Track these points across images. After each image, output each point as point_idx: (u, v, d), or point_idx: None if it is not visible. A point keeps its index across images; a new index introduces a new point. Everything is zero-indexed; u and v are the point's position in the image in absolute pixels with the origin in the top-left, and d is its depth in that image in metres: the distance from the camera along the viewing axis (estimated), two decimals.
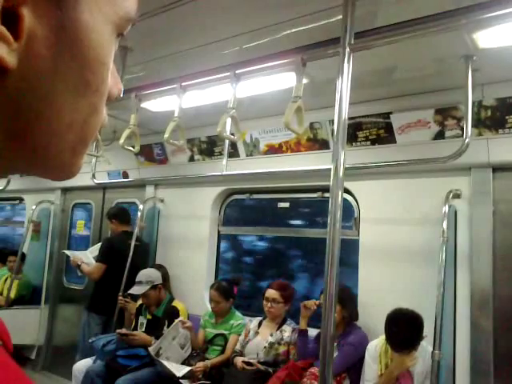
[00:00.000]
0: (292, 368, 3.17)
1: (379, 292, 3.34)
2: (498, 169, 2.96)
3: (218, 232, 4.55)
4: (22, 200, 6.78)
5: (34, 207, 6.00)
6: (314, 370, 3.11)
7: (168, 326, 3.82)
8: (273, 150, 3.82)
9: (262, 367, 3.34)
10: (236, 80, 2.38)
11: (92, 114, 0.40)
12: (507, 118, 2.77)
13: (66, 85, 0.37)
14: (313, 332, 3.37)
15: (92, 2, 0.37)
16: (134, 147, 3.04)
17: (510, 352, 2.86)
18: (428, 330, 2.78)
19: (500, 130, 2.81)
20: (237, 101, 2.43)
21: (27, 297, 5.78)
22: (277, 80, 2.79)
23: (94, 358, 3.99)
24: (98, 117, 0.42)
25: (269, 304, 3.55)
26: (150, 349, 3.66)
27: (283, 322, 3.57)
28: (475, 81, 2.44)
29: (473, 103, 2.50)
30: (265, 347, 3.46)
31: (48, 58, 0.35)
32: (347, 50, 1.77)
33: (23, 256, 5.90)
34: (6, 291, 5.48)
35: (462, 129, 2.71)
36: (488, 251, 2.93)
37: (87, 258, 4.71)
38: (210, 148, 4.25)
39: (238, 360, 3.44)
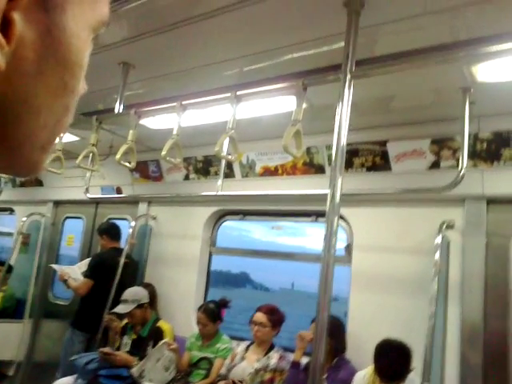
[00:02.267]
0: None
1: (370, 321, 3.30)
2: (492, 201, 2.98)
3: (210, 252, 4.51)
4: (12, 211, 6.71)
5: (24, 219, 5.93)
6: None
7: (153, 347, 3.74)
8: (268, 172, 3.83)
9: None
10: (236, 101, 2.39)
11: (65, 114, 0.42)
12: (502, 150, 2.80)
13: (46, 87, 0.38)
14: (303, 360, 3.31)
15: (76, 9, 0.38)
16: (130, 163, 3.03)
17: None
18: (416, 360, 2.75)
19: (495, 163, 2.84)
20: (236, 122, 2.43)
21: (10, 310, 5.65)
22: (276, 103, 2.82)
23: (75, 376, 3.89)
24: (69, 116, 0.43)
25: (256, 327, 3.50)
26: (133, 370, 3.58)
27: (271, 349, 3.50)
28: (472, 113, 2.47)
29: (469, 135, 2.52)
30: (250, 373, 3.39)
31: (33, 61, 0.36)
32: (348, 76, 1.79)
33: (10, 268, 5.80)
34: None
35: (458, 160, 2.73)
36: (480, 284, 2.92)
37: (75, 273, 4.64)
38: (205, 167, 4.25)
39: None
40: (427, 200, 3.19)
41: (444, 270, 3.01)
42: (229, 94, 2.44)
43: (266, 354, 3.47)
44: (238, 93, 2.41)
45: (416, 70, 2.15)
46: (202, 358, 3.79)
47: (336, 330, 3.11)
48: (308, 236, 4.31)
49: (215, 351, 3.77)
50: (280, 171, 3.76)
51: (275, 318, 3.55)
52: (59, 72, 0.38)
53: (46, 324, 5.72)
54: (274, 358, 3.42)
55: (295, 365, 3.25)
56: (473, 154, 2.84)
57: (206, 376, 3.69)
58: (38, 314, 5.74)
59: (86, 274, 4.46)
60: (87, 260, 4.78)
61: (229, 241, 4.88)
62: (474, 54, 1.95)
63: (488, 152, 2.85)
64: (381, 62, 2.02)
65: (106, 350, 3.88)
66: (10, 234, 6.64)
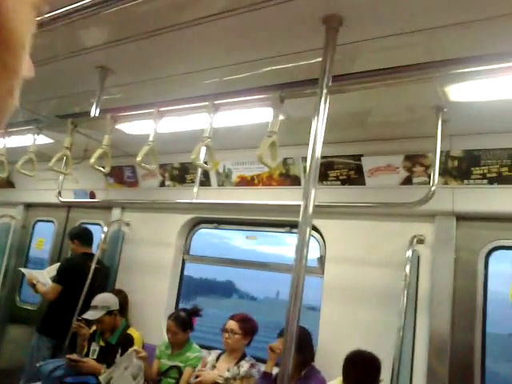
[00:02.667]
0: None
1: (340, 332, 3.33)
2: (461, 217, 3.06)
3: (183, 260, 4.48)
4: None
5: None
6: None
7: (121, 355, 3.68)
8: (245, 182, 3.84)
9: None
10: (214, 110, 2.40)
11: (8, 97, 0.40)
12: (472, 169, 2.88)
13: None
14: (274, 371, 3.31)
15: None
16: (104, 168, 3.00)
17: None
18: (385, 373, 2.78)
19: (465, 181, 2.92)
20: (213, 130, 2.44)
21: None
22: (253, 114, 2.84)
23: (39, 383, 3.80)
24: (14, 100, 0.41)
25: (226, 334, 3.49)
26: (101, 378, 3.51)
27: (242, 358, 3.49)
28: (444, 131, 2.54)
29: (441, 152, 2.59)
30: (222, 382, 3.37)
31: None
32: (324, 91, 1.82)
33: None
34: None
35: (429, 176, 2.79)
36: (448, 298, 2.98)
37: (43, 277, 4.54)
38: (181, 175, 4.23)
39: None
40: (399, 214, 3.25)
41: (414, 284, 3.07)
42: (207, 103, 2.44)
43: (237, 363, 3.45)
44: (216, 102, 2.42)
45: (391, 88, 2.20)
46: (171, 367, 3.75)
47: (303, 341, 3.11)
48: (287, 245, 4.30)
49: (185, 360, 3.73)
50: (256, 181, 3.78)
51: (247, 326, 3.54)
52: (0, 52, 0.37)
53: (12, 329, 5.58)
54: (244, 366, 3.41)
55: (266, 376, 3.25)
56: (444, 171, 2.91)
57: None
58: (3, 319, 5.59)
59: (55, 279, 4.37)
60: (56, 265, 4.69)
61: (208, 248, 4.86)
62: (447, 75, 2.00)
63: (459, 170, 2.92)
64: (357, 78, 2.06)
65: (74, 356, 3.80)
66: None
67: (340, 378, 2.91)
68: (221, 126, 2.94)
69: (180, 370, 3.70)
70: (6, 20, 0.36)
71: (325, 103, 1.82)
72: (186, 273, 4.48)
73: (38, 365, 3.94)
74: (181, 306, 4.37)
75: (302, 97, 2.22)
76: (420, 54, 2.10)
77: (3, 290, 5.69)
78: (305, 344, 3.13)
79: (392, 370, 2.76)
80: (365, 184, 3.26)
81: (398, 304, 2.92)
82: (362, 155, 3.22)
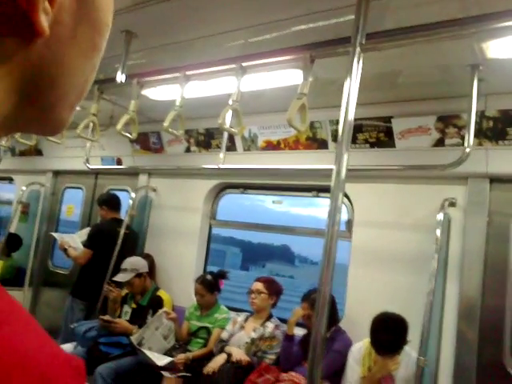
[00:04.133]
0: (264, 370, 3.17)
1: (368, 295, 3.34)
2: (495, 180, 2.97)
3: (210, 225, 4.52)
4: (11, 180, 6.69)
5: (24, 188, 5.92)
6: (293, 375, 3.10)
7: (152, 316, 3.79)
8: (271, 146, 3.80)
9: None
10: (241, 73, 2.35)
11: (92, 72, 0.43)
12: (508, 129, 2.78)
13: (79, 49, 0.39)
14: (299, 332, 3.36)
15: None
16: (131, 134, 3.00)
17: (493, 363, 2.88)
18: (413, 336, 2.79)
19: (500, 142, 2.82)
20: (240, 94, 2.40)
21: (11, 278, 5.70)
22: (280, 76, 2.77)
23: (75, 343, 3.95)
24: (94, 74, 0.44)
25: (253, 295, 3.58)
26: (132, 338, 3.63)
27: (268, 319, 3.56)
28: (479, 91, 2.44)
29: (475, 113, 2.49)
30: (246, 343, 3.45)
31: (70, 25, 0.36)
32: (358, 49, 1.75)
33: (17, 238, 5.83)
34: None
35: (463, 137, 2.71)
36: (479, 262, 2.94)
37: (75, 241, 4.65)
38: (207, 140, 4.21)
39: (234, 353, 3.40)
40: (430, 177, 3.18)
41: (444, 248, 3.03)
42: (234, 66, 2.39)
43: (263, 323, 3.53)
44: (244, 64, 2.36)
45: (425, 46, 2.11)
46: (200, 328, 3.85)
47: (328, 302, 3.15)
48: (321, 207, 4.24)
49: (213, 321, 3.83)
50: (282, 145, 3.73)
51: (272, 287, 3.63)
52: (91, 34, 0.39)
53: (46, 292, 5.78)
54: (269, 327, 3.49)
55: (288, 338, 3.32)
56: (478, 133, 2.81)
57: (205, 345, 3.76)
58: (37, 283, 5.80)
59: (86, 244, 4.48)
60: (87, 229, 4.79)
61: (242, 211, 4.87)
62: (485, 30, 1.90)
63: (494, 130, 2.82)
64: (391, 35, 1.97)
65: (107, 317, 3.93)
66: (9, 203, 6.63)
67: (367, 340, 2.94)
68: (246, 90, 2.89)
69: (209, 331, 3.81)
70: (99, 5, 0.39)
71: (358, 62, 1.75)
72: (244, 238, 4.52)
73: (72, 326, 4.10)
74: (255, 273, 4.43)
75: (334, 56, 2.15)
76: (456, 10, 1.98)
77: (36, 256, 5.87)
78: (330, 305, 3.17)
79: (421, 333, 2.76)
80: (395, 146, 3.18)
81: (427, 268, 2.90)
82: (392, 117, 3.13)
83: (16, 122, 0.39)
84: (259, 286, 3.60)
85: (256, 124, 3.79)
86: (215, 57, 2.70)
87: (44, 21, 0.33)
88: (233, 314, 3.82)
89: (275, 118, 3.55)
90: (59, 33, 0.36)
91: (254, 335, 3.47)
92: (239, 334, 3.57)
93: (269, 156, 3.81)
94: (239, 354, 3.34)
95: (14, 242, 5.79)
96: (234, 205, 4.58)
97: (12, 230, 5.92)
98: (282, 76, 2.74)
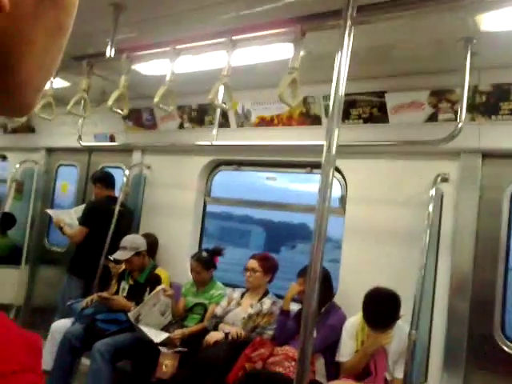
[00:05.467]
0: (258, 344, 3.21)
1: (361, 271, 3.36)
2: (487, 155, 2.97)
3: (204, 202, 4.52)
4: (5, 158, 6.64)
5: (17, 166, 5.88)
6: (287, 349, 3.15)
7: (149, 293, 3.82)
8: (264, 122, 3.77)
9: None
10: (232, 46, 2.32)
11: (59, 53, 0.42)
12: (501, 104, 2.76)
13: (44, 28, 0.38)
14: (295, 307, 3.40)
15: None
16: (122, 110, 2.97)
17: (484, 336, 2.92)
18: (405, 310, 2.83)
19: (493, 117, 2.81)
20: (231, 69, 2.37)
21: (5, 255, 5.71)
22: (272, 50, 2.73)
23: (72, 320, 3.99)
24: (61, 55, 0.43)
25: (248, 273, 3.60)
26: (130, 314, 3.67)
27: (264, 295, 3.60)
28: (473, 65, 2.41)
29: (468, 87, 2.47)
30: (243, 318, 3.49)
31: (31, 2, 0.36)
32: (349, 22, 1.72)
33: (11, 216, 5.83)
34: None
35: (456, 112, 2.69)
36: (471, 236, 2.96)
37: (70, 217, 4.65)
38: (200, 116, 4.18)
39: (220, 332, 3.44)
40: (422, 153, 3.18)
41: (436, 223, 3.04)
42: (224, 39, 2.35)
43: (260, 300, 3.57)
44: (234, 38, 2.33)
45: (418, 18, 2.07)
46: (196, 304, 3.89)
47: (324, 278, 3.18)
48: (317, 182, 4.11)
49: (209, 297, 3.86)
50: (276, 121, 3.71)
51: (267, 264, 3.64)
52: (55, 12, 0.39)
53: (42, 270, 5.81)
54: (266, 303, 3.52)
55: (283, 313, 3.35)
56: (471, 108, 2.79)
57: (201, 320, 3.80)
58: (34, 261, 5.82)
59: (81, 222, 4.48)
60: (83, 206, 4.79)
61: (238, 188, 4.84)
62: (479, 2, 1.87)
63: (487, 105, 2.80)
64: (382, 8, 1.94)
65: (104, 294, 3.97)
66: (2, 181, 6.60)
67: (360, 314, 2.98)
68: (238, 65, 2.85)
69: (205, 307, 3.85)
70: None
71: (349, 36, 1.73)
72: (266, 217, 4.49)
73: (69, 303, 4.13)
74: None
75: (324, 29, 2.12)
76: None
77: (32, 234, 5.87)
78: (323, 282, 3.20)
79: (413, 307, 2.80)
80: (388, 122, 3.16)
81: (420, 243, 2.92)
82: (385, 92, 3.10)
83: None
84: (254, 264, 3.60)
85: (249, 100, 3.75)
86: (206, 30, 2.65)
87: None
88: (228, 291, 3.85)
89: (268, 94, 3.51)
90: (22, 10, 0.35)
91: (250, 311, 3.51)
92: (236, 310, 3.60)
93: (262, 132, 3.79)
94: (235, 330, 3.39)
95: (7, 220, 5.79)
96: (230, 181, 4.56)
97: (7, 208, 5.91)
98: (274, 50, 2.70)
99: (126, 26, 2.72)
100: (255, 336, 3.40)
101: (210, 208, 4.66)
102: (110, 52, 2.69)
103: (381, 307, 2.83)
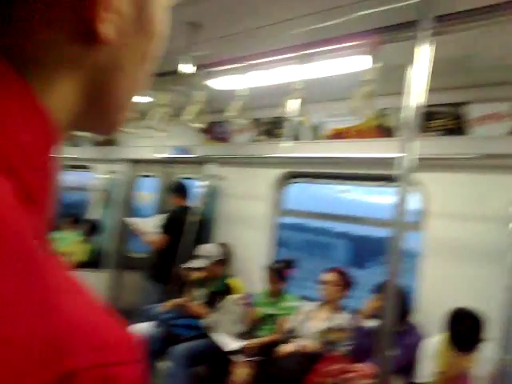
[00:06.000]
0: (332, 360, 3.16)
1: (440, 289, 3.21)
2: None
3: (277, 214, 4.55)
4: (87, 168, 7.10)
5: (102, 176, 6.26)
6: (362, 367, 3.06)
7: (222, 301, 3.90)
8: (336, 134, 3.74)
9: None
10: (306, 61, 2.33)
11: (143, 78, 0.45)
12: None
13: (135, 57, 0.42)
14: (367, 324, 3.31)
15: None
16: (199, 124, 3.07)
17: None
18: (490, 333, 2.66)
19: None
20: (304, 82, 2.38)
21: (90, 260, 6.07)
22: (343, 63, 2.70)
23: (151, 324, 4.15)
24: (145, 79, 0.46)
25: (323, 286, 3.56)
26: (205, 321, 3.76)
27: (339, 310, 3.53)
28: None
29: None
30: (316, 332, 3.45)
31: (129, 33, 0.39)
32: (426, 33, 1.67)
33: (95, 223, 6.22)
34: (78, 254, 5.80)
35: None
36: None
37: (149, 225, 4.84)
38: (273, 129, 4.22)
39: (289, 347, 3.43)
40: (504, 166, 2.99)
41: None
42: (299, 53, 2.37)
43: (334, 314, 3.51)
44: (309, 51, 2.33)
45: (499, 27, 1.96)
46: (269, 315, 3.91)
47: (400, 296, 3.08)
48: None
49: (281, 309, 3.87)
50: (349, 134, 3.66)
51: (343, 278, 3.59)
52: (146, 42, 0.42)
53: (125, 275, 6.10)
54: (340, 318, 3.46)
55: (359, 329, 3.28)
56: None
57: (272, 331, 3.81)
58: (118, 266, 6.13)
59: (162, 230, 4.66)
60: (160, 215, 4.98)
61: (310, 200, 4.82)
62: None
63: None
64: (461, 18, 1.86)
65: (180, 301, 4.10)
66: (83, 190, 7.05)
67: (443, 335, 2.83)
68: (310, 78, 2.86)
69: (276, 318, 3.85)
70: (156, 17, 0.42)
71: (426, 46, 1.67)
72: (362, 232, 4.46)
73: (148, 307, 4.31)
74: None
75: (400, 40, 2.07)
76: None
77: (115, 240, 6.21)
78: (400, 299, 3.10)
79: (502, 331, 2.62)
80: (467, 134, 3.01)
81: (504, 261, 2.73)
82: (464, 103, 2.96)
83: (79, 123, 0.42)
84: (330, 277, 3.57)
85: (321, 112, 3.74)
86: (278, 45, 2.69)
87: (109, 29, 0.36)
88: (301, 304, 3.83)
89: (341, 106, 3.47)
90: (120, 41, 0.39)
91: (324, 325, 3.46)
92: (308, 323, 3.57)
93: (336, 145, 3.75)
94: (309, 344, 3.36)
95: (92, 227, 6.18)
96: (303, 194, 4.56)
97: (93, 215, 6.31)
98: (345, 63, 2.67)
99: (200, 43, 2.82)
100: (328, 351, 3.35)
101: (283, 220, 4.68)
102: (188, 68, 2.80)
103: (468, 328, 2.69)
